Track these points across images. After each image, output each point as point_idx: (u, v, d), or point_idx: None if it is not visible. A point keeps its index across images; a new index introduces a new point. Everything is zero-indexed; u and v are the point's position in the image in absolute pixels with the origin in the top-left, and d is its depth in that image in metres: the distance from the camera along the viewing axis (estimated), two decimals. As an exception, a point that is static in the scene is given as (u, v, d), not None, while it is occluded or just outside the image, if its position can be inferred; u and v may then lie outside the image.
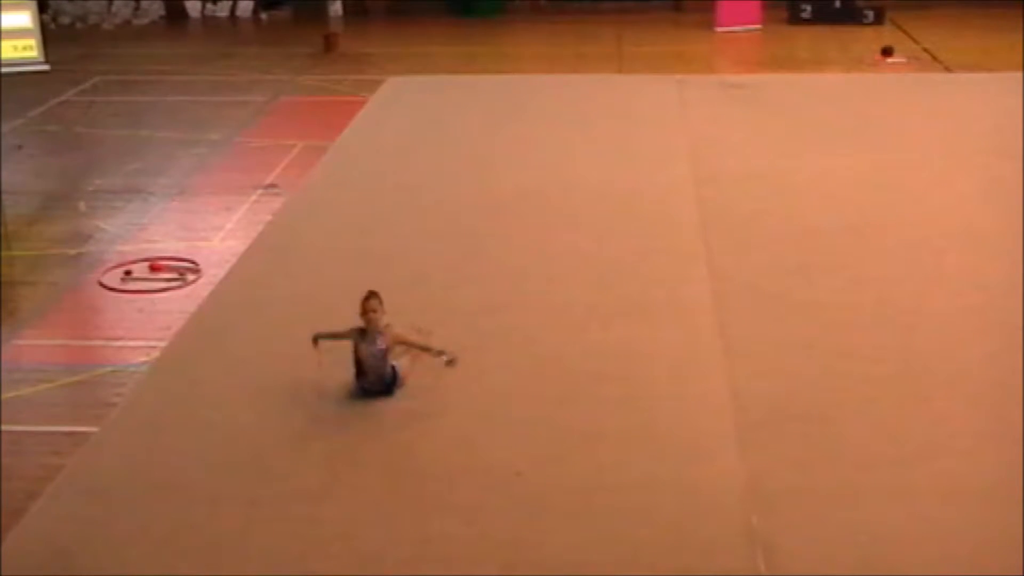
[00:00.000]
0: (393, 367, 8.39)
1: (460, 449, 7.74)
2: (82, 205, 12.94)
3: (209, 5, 25.22)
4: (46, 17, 22.25)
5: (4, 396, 8.64)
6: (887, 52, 19.54)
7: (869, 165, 13.43)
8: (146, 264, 11.08)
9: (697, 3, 23.37)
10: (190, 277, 10.83)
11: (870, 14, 22.52)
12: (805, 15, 22.76)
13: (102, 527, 6.98)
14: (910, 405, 8.21)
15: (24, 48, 16.59)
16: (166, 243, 11.70)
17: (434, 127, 15.51)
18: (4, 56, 15.72)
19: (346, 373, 8.60)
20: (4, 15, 16.29)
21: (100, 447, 7.93)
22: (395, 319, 9.53)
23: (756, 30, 22.41)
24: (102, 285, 10.73)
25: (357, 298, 9.06)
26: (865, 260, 10.70)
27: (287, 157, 14.40)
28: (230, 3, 25.22)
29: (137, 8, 24.96)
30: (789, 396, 8.33)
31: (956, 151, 13.98)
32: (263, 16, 25.01)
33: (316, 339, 8.44)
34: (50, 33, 19.88)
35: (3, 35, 16.01)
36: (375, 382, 8.36)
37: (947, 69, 18.97)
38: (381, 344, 8.33)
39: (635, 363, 8.84)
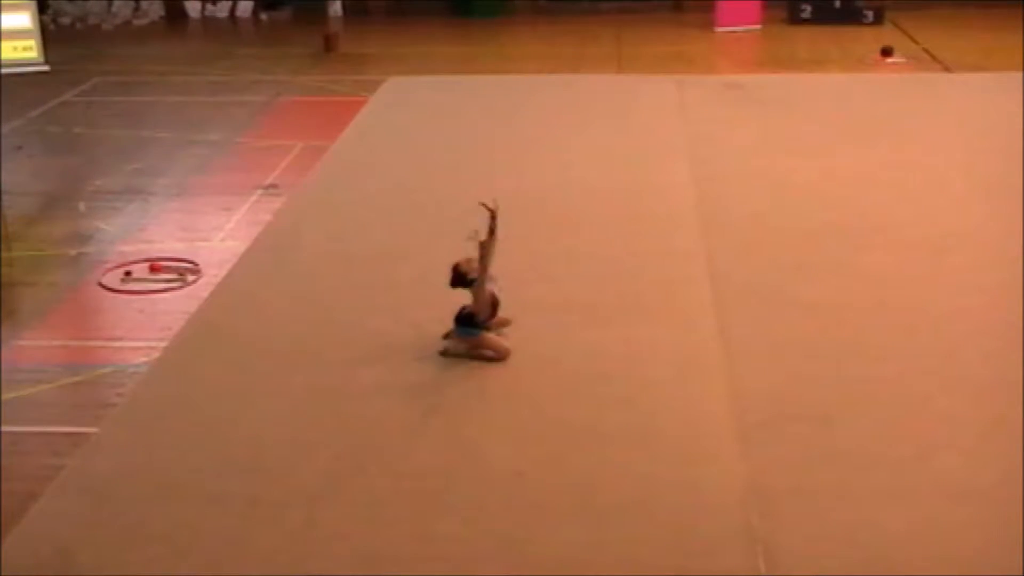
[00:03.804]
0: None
1: (460, 449, 7.74)
2: (82, 206, 12.94)
3: (209, 6, 25.23)
4: (46, 18, 22.25)
5: (4, 396, 8.64)
6: (887, 52, 19.55)
7: (869, 165, 13.43)
8: (146, 264, 11.08)
9: (697, 3, 23.38)
10: (190, 277, 10.83)
11: (870, 14, 22.53)
12: (805, 15, 22.77)
13: (102, 527, 6.99)
14: (910, 405, 8.21)
15: (24, 49, 16.57)
16: (166, 243, 11.70)
17: (434, 127, 15.51)
18: (4, 57, 15.69)
19: (346, 373, 8.63)
20: (4, 16, 16.27)
21: (100, 447, 7.93)
22: (396, 317, 9.58)
23: (756, 30, 22.42)
24: (102, 286, 10.73)
25: (356, 298, 9.13)
26: (865, 260, 10.69)
27: (287, 157, 14.40)
28: (230, 3, 25.23)
29: (137, 9, 24.97)
30: (789, 396, 8.33)
31: (956, 151, 13.98)
32: (263, 16, 25.02)
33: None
34: (50, 34, 19.87)
35: (3, 36, 15.99)
36: None
37: (947, 69, 18.98)
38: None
39: (635, 363, 8.84)
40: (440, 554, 6.67)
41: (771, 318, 9.55)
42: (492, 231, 8.72)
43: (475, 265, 8.81)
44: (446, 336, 9.05)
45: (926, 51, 20.24)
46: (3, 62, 15.60)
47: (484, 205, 8.76)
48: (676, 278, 10.39)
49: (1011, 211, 11.71)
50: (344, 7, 22.36)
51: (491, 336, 8.95)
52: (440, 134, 15.16)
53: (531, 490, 7.25)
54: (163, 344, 9.43)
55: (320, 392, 8.50)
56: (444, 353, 8.94)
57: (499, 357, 8.85)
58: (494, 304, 8.96)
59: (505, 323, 9.11)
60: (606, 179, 13.07)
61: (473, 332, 8.90)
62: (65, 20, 24.44)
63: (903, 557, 6.59)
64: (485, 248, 8.73)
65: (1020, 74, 17.07)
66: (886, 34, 21.32)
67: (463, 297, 8.95)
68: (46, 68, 16.26)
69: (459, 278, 8.90)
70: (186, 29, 24.63)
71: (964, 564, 6.52)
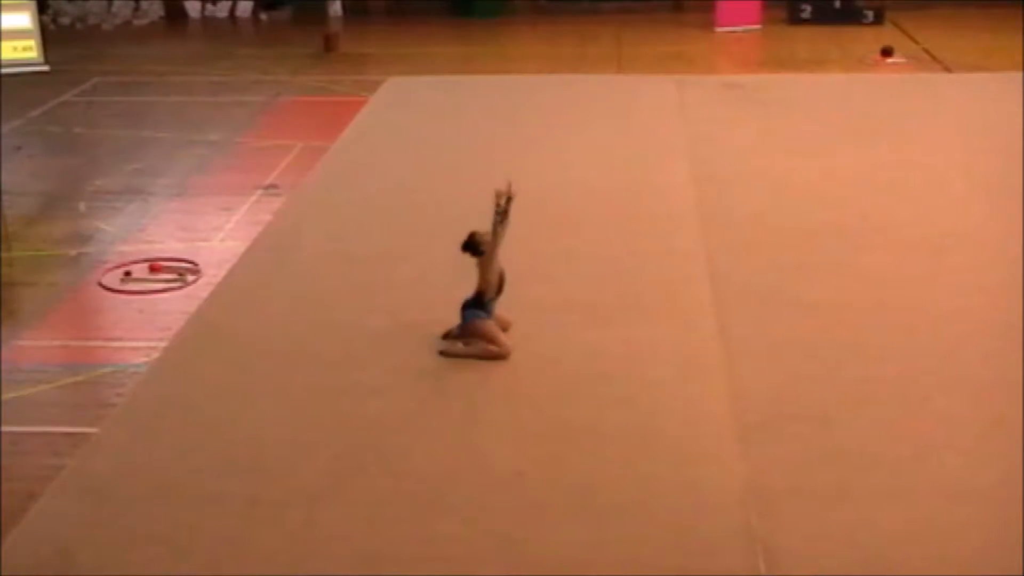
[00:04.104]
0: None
1: (460, 449, 7.74)
2: (82, 206, 12.94)
3: (209, 6, 25.23)
4: (46, 18, 22.26)
5: (4, 396, 8.64)
6: (887, 52, 19.55)
7: (869, 165, 13.43)
8: (146, 265, 11.08)
9: (697, 3, 23.39)
10: (190, 278, 10.83)
11: (870, 14, 22.53)
12: (805, 15, 22.77)
13: (102, 527, 6.99)
14: (910, 405, 8.22)
15: (24, 49, 16.57)
16: (166, 244, 11.70)
17: (434, 127, 15.51)
18: (4, 57, 15.70)
19: (346, 373, 8.62)
20: (4, 16, 16.27)
21: (100, 447, 7.93)
22: (396, 317, 9.58)
23: (756, 30, 22.42)
24: (102, 286, 10.73)
25: (356, 298, 9.07)
26: (865, 260, 10.70)
27: (287, 157, 14.40)
28: (230, 3, 25.23)
29: (137, 9, 24.97)
30: (789, 396, 8.33)
31: (956, 151, 13.98)
32: (263, 16, 25.02)
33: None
34: (50, 34, 19.89)
35: (3, 36, 16.00)
36: None
37: (947, 69, 18.98)
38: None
39: (635, 363, 8.84)
40: (440, 554, 6.67)
41: (771, 318, 9.55)
42: (505, 213, 8.76)
43: (489, 239, 8.82)
44: (445, 336, 9.05)
45: (926, 51, 20.24)
46: (3, 62, 15.60)
47: (499, 195, 8.80)
48: (676, 278, 10.39)
49: (1011, 211, 11.71)
50: (344, 7, 22.36)
51: (495, 328, 8.92)
52: (440, 134, 15.16)
53: (531, 490, 7.25)
54: (163, 344, 9.43)
55: (320, 392, 8.50)
56: (443, 353, 8.94)
57: (500, 355, 8.85)
58: (501, 279, 8.96)
59: (506, 325, 9.10)
60: (606, 179, 13.07)
61: (480, 314, 8.88)
62: (65, 20, 24.44)
63: (903, 557, 6.59)
64: (498, 228, 8.79)
65: (1020, 74, 17.08)
66: (886, 34, 21.32)
67: (464, 294, 8.95)
68: (46, 68, 16.27)
69: (472, 245, 8.89)
70: (186, 29, 24.62)
71: (964, 564, 6.52)
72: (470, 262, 8.92)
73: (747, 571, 6.51)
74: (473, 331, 8.89)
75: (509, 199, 8.76)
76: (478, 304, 8.90)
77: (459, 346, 8.93)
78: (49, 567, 6.63)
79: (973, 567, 6.51)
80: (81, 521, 7.05)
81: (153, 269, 10.98)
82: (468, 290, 9.15)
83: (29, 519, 7.07)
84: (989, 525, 6.86)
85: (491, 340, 8.87)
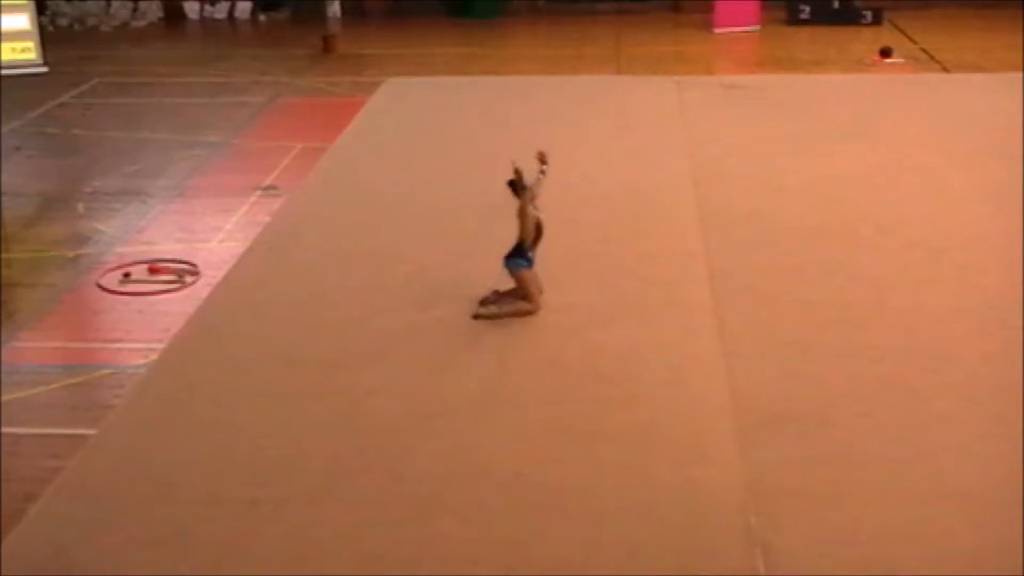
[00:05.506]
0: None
1: (460, 449, 7.73)
2: (81, 207, 12.94)
3: (207, 7, 25.24)
4: (44, 19, 22.25)
5: (3, 398, 8.63)
6: (885, 53, 19.53)
7: (868, 165, 13.42)
8: (145, 266, 11.07)
9: (696, 4, 23.40)
10: (188, 279, 10.82)
11: (868, 15, 22.55)
12: (803, 16, 22.79)
13: (101, 528, 6.98)
14: (910, 405, 8.21)
15: (22, 50, 16.58)
16: (165, 245, 11.69)
17: (433, 128, 15.50)
18: (3, 58, 15.71)
19: (346, 373, 8.61)
20: (3, 17, 16.29)
21: (99, 449, 7.92)
22: (392, 317, 9.58)
23: (754, 31, 22.44)
24: (100, 287, 10.72)
25: (356, 298, 9.05)
26: (864, 260, 10.69)
27: (286, 158, 14.40)
28: (228, 4, 25.23)
29: (135, 10, 24.98)
30: (789, 396, 8.33)
31: (955, 151, 13.97)
32: (261, 17, 25.03)
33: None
34: (48, 35, 19.86)
35: (2, 37, 16.01)
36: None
37: (945, 69, 18.99)
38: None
39: (635, 363, 8.84)
40: (440, 554, 6.67)
41: (771, 318, 9.54)
42: (523, 188, 9.23)
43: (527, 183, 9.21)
44: (482, 302, 9.43)
45: (924, 51, 20.26)
46: (2, 63, 15.61)
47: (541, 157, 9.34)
48: (676, 278, 10.38)
49: (1011, 211, 11.71)
50: (342, 8, 22.39)
51: (532, 280, 9.37)
52: (439, 135, 15.15)
53: (531, 490, 7.25)
54: (162, 345, 9.42)
55: (320, 392, 8.49)
56: (477, 317, 9.32)
57: (531, 311, 9.30)
58: (539, 229, 9.33)
59: (540, 288, 9.45)
60: (605, 179, 13.06)
61: (522, 264, 9.30)
62: (63, 21, 24.44)
63: (903, 557, 6.58)
64: (536, 186, 9.26)
65: (1020, 74, 17.07)
66: (885, 34, 21.33)
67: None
68: (45, 69, 16.27)
69: (515, 182, 9.30)
70: (185, 30, 24.62)
71: (964, 564, 6.52)
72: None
73: (747, 571, 6.50)
74: (515, 278, 9.33)
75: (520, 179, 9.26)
76: (519, 254, 9.32)
77: (493, 308, 9.33)
78: (48, 568, 6.62)
79: (973, 567, 6.50)
80: (80, 522, 7.04)
81: (152, 270, 10.98)
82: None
83: (28, 520, 7.06)
84: (989, 525, 6.85)
85: (525, 290, 9.31)
